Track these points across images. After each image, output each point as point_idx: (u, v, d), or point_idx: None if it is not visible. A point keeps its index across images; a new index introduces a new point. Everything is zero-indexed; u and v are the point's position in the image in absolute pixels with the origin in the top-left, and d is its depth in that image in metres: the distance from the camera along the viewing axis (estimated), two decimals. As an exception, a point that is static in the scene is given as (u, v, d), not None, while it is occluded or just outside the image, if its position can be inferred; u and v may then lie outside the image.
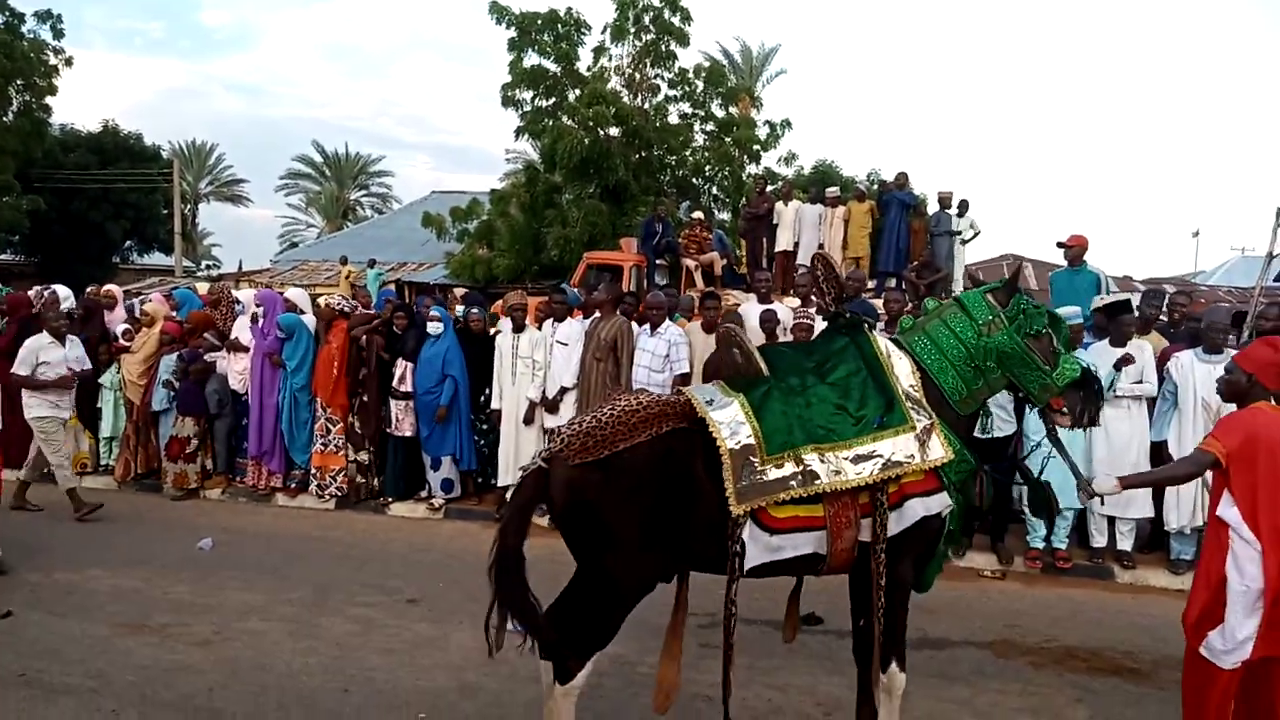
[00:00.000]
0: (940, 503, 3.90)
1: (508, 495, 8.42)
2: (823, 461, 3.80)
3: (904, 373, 4.00)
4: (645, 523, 3.83)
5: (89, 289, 11.70)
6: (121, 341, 10.13)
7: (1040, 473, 4.38)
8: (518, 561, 3.91)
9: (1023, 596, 6.79)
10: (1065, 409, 4.07)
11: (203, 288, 11.93)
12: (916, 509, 3.86)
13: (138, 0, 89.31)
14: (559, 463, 3.87)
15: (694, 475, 3.84)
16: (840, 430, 3.85)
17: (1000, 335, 4.01)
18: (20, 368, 8.39)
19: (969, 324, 4.06)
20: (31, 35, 27.40)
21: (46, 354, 8.47)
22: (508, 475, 8.56)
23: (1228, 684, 3.94)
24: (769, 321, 8.35)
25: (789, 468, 3.79)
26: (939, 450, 3.85)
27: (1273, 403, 4.05)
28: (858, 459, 3.79)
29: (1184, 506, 7.00)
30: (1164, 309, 8.59)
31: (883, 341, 4.10)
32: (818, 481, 3.76)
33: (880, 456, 3.79)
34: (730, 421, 3.84)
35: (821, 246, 14.21)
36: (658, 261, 15.50)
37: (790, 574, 4.13)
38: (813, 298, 9.05)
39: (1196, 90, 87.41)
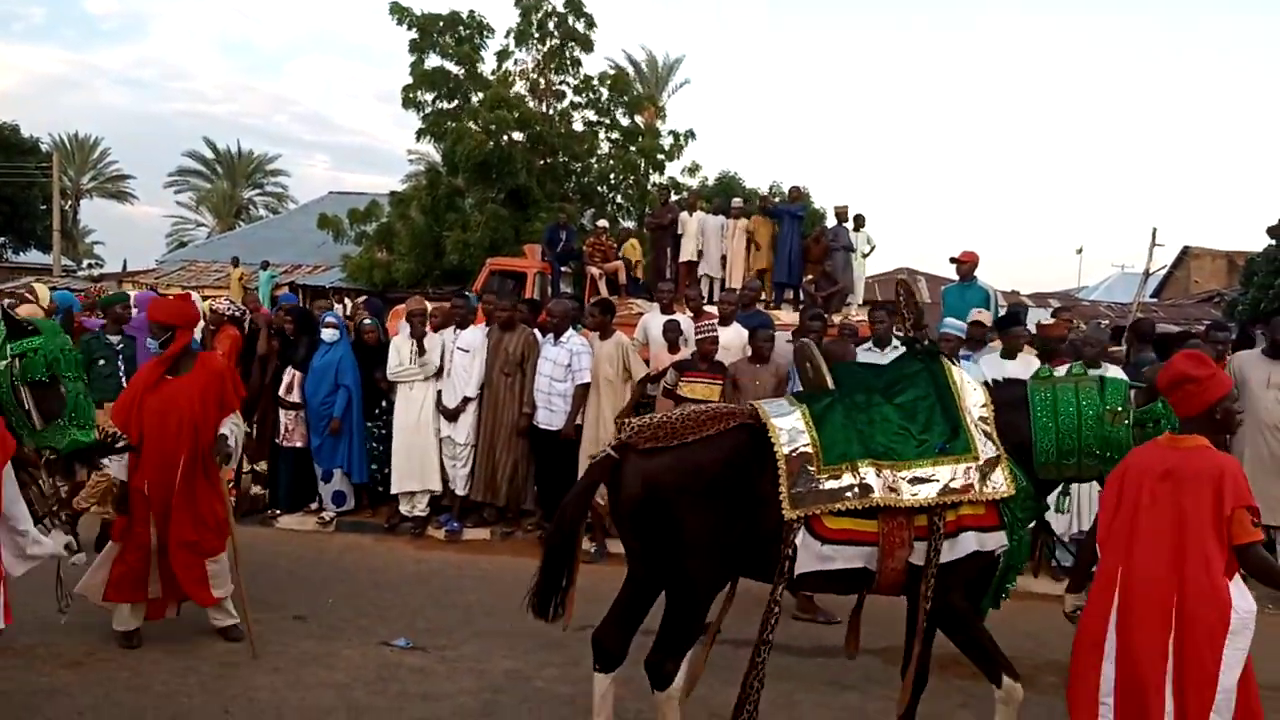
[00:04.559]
0: (996, 541, 3.96)
1: (400, 505, 8.37)
2: (879, 477, 3.89)
3: (975, 403, 4.06)
4: (716, 516, 3.92)
5: None
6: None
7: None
8: (570, 540, 4.16)
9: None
10: None
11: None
12: (970, 542, 3.92)
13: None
14: (629, 452, 3.99)
15: (757, 474, 3.94)
16: (901, 450, 3.95)
17: (1121, 431, 3.93)
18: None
19: (1097, 403, 4.00)
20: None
21: None
22: (400, 483, 8.40)
23: None
24: (671, 331, 8.38)
25: (846, 479, 3.89)
26: (1001, 484, 3.91)
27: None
28: (915, 480, 3.89)
29: (1068, 515, 7.25)
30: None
31: (957, 371, 4.18)
32: (872, 495, 3.86)
33: (938, 481, 3.89)
34: (790, 429, 3.97)
35: (724, 258, 14.38)
36: (561, 269, 15.44)
37: (838, 589, 4.23)
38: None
39: (1081, 112, 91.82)
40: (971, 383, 4.17)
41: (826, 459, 3.90)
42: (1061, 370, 4.45)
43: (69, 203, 41.05)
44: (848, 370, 4.43)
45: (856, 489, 3.87)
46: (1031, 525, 4.21)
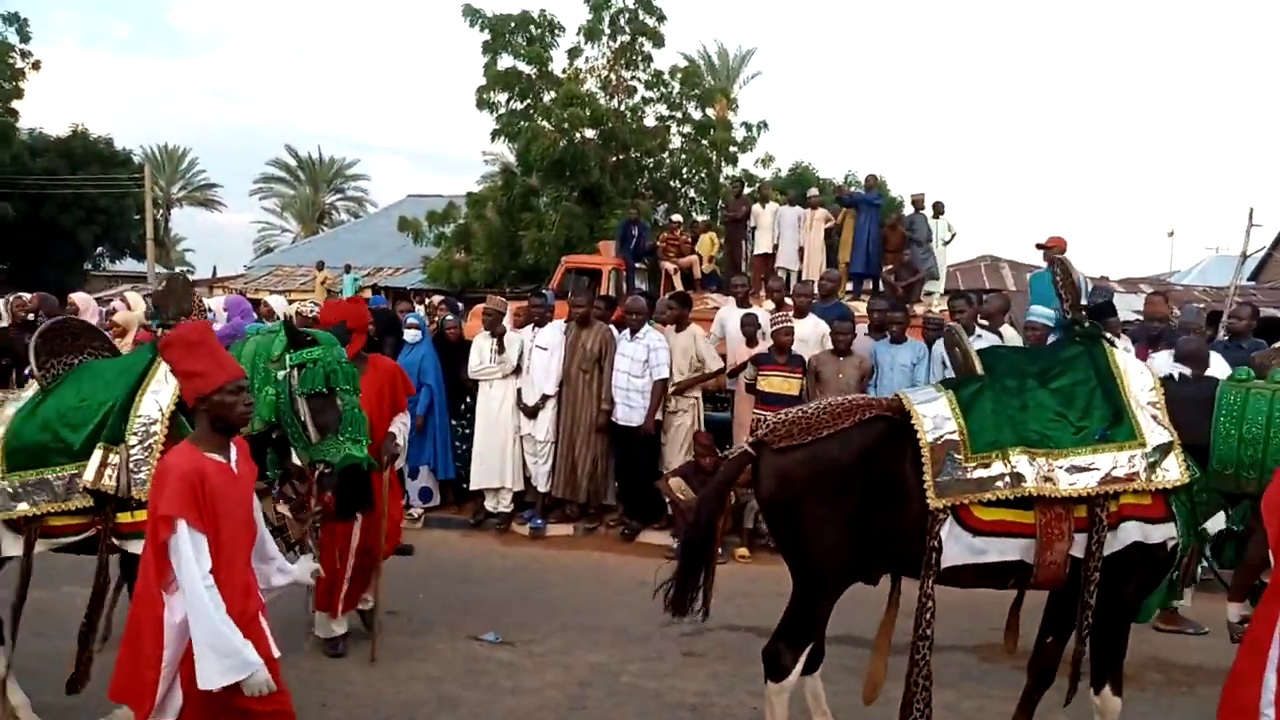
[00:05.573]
0: (1162, 534, 3.73)
1: (485, 501, 8.48)
2: (1032, 465, 3.74)
3: (1142, 387, 3.85)
4: (849, 510, 3.85)
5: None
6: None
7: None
8: (709, 535, 4.16)
9: (1009, 600, 6.77)
10: None
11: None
12: (1132, 532, 3.73)
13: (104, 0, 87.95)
14: (765, 449, 3.97)
15: (898, 466, 3.85)
16: (1057, 438, 3.79)
17: None
18: None
19: None
20: (-2, 39, 27.08)
21: None
22: (481, 480, 8.49)
23: None
24: (749, 325, 8.34)
25: (996, 468, 3.75)
26: (1174, 472, 3.67)
27: None
28: (1073, 469, 3.73)
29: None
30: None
31: (1120, 354, 4.00)
32: (1024, 484, 3.71)
33: (1098, 470, 3.70)
34: (935, 416, 3.85)
35: (801, 250, 14.21)
36: (636, 265, 15.46)
37: (995, 584, 4.04)
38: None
39: (1172, 92, 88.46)
40: (1137, 365, 3.97)
41: (975, 447, 3.76)
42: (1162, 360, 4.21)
43: (161, 212, 42.49)
44: (997, 355, 4.24)
45: (1008, 478, 3.71)
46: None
